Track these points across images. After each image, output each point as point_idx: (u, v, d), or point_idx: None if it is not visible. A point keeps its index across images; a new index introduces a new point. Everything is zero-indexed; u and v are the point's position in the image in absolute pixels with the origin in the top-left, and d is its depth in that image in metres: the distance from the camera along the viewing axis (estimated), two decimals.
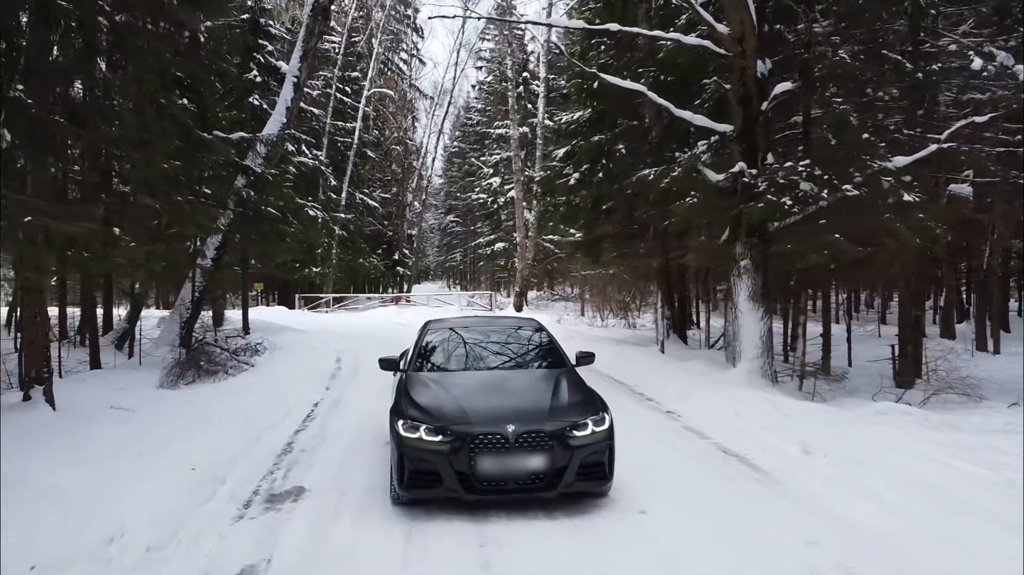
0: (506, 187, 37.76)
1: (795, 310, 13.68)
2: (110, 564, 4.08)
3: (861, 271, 10.93)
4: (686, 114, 9.60)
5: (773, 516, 4.85)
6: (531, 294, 33.14)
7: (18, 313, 11.89)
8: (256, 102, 16.68)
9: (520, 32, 36.06)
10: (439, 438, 4.79)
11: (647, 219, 14.13)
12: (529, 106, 33.45)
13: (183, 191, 9.60)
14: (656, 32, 9.55)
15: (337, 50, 33.38)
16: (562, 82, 22.48)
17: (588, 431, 4.93)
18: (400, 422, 4.98)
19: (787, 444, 6.56)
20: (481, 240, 44.87)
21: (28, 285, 7.68)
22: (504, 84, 34.20)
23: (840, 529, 4.56)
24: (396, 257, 41.09)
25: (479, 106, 47.75)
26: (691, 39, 9.39)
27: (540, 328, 6.81)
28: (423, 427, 4.86)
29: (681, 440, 7.19)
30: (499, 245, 40.56)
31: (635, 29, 9.76)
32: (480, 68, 45.20)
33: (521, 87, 32.78)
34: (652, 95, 9.46)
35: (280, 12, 24.38)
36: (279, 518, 4.94)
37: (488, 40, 42.94)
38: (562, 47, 12.77)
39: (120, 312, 16.17)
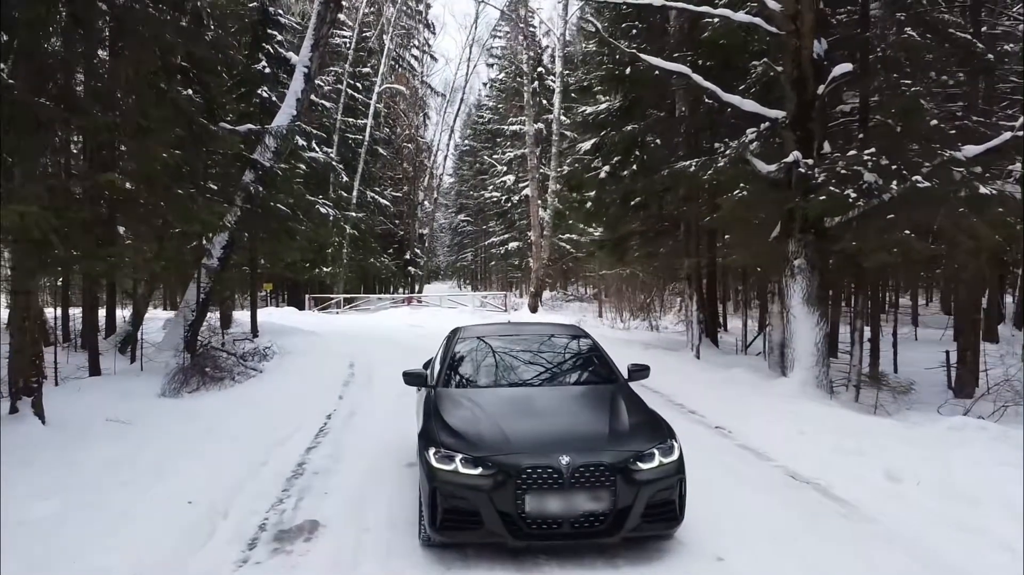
0: (520, 185, 36.94)
1: (835, 311, 12.84)
2: None
3: (929, 271, 10.06)
4: (734, 99, 8.76)
5: (870, 564, 4.09)
6: (545, 294, 32.35)
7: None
8: (265, 94, 15.95)
9: (533, 28, 35.27)
10: (478, 471, 4.02)
11: (678, 215, 13.31)
12: (544, 102, 32.64)
13: (185, 184, 8.87)
14: (704, 8, 8.73)
15: (348, 45, 32.70)
16: (580, 74, 21.63)
17: (655, 463, 4.15)
18: (431, 450, 4.21)
19: (867, 469, 5.74)
20: (494, 239, 44.03)
21: (14, 287, 7.03)
22: (519, 80, 33.36)
23: None
24: (407, 257, 40.33)
25: (491, 103, 46.93)
26: (741, 16, 8.55)
27: (584, 335, 5.96)
28: (459, 457, 4.09)
29: (740, 463, 6.36)
30: (512, 244, 39.75)
31: (679, 4, 8.93)
32: (492, 66, 44.47)
33: (536, 82, 31.97)
34: (697, 77, 8.63)
35: (290, 3, 23.70)
36: (289, 563, 4.19)
37: (500, 38, 42.23)
38: (598, 25, 11.89)
39: (125, 314, 15.51)
